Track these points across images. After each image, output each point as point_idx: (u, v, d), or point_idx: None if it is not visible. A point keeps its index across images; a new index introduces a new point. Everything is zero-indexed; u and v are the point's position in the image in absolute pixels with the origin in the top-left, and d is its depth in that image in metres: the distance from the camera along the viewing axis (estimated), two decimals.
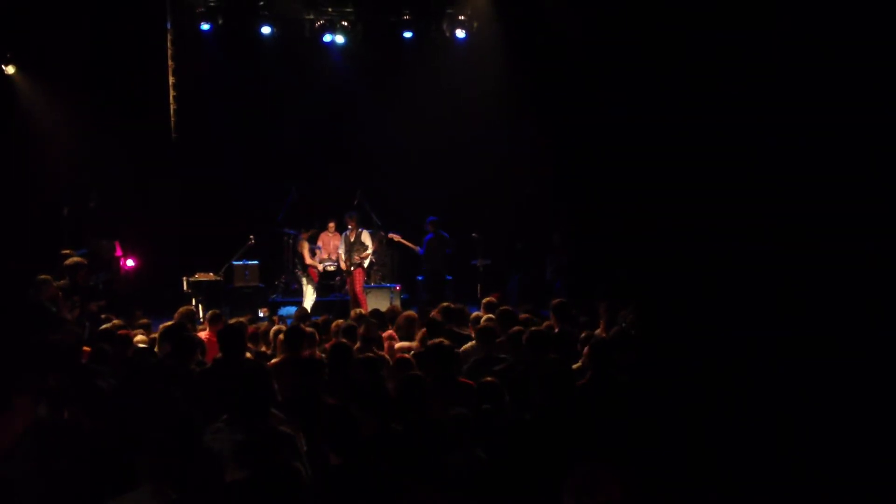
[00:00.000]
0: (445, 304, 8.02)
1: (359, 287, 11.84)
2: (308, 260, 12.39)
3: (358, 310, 8.70)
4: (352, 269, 11.74)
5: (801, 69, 7.43)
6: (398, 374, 5.19)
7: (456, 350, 5.72)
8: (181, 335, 6.03)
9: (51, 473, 3.59)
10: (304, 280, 12.42)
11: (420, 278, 12.70)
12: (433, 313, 7.48)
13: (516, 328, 6.20)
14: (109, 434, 4.06)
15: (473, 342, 6.46)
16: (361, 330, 6.60)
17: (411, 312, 7.70)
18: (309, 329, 6.68)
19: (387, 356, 6.24)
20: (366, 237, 11.88)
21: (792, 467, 4.09)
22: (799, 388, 5.38)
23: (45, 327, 6.56)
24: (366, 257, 11.86)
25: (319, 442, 4.16)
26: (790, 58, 7.55)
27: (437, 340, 5.65)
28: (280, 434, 3.96)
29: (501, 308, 7.29)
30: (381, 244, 13.00)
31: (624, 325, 6.56)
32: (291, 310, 11.29)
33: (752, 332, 6.46)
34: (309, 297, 12.26)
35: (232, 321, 7.59)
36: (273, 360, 6.12)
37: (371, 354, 5.72)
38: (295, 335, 6.09)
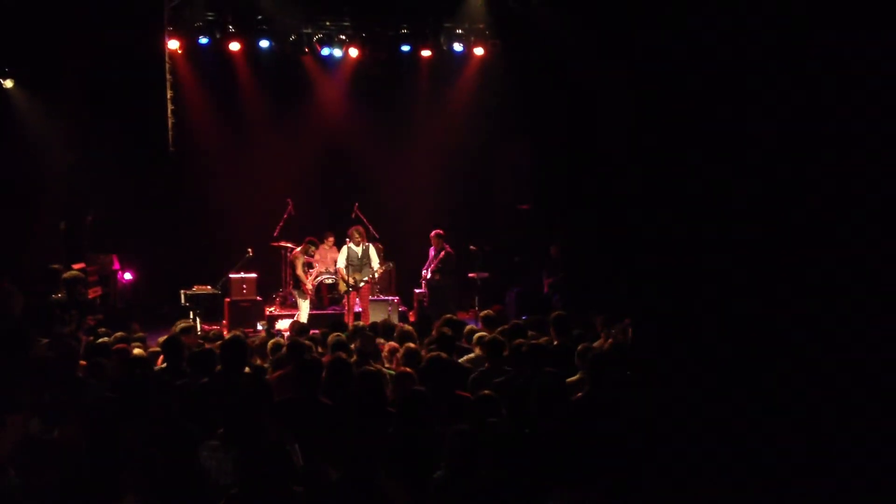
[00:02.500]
0: (449, 315, 7.99)
1: (366, 302, 11.83)
2: (299, 272, 12.14)
3: (357, 323, 8.66)
4: (360, 284, 11.68)
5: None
6: (400, 387, 5.19)
7: (457, 363, 5.72)
8: (187, 349, 6.03)
9: (41, 487, 3.56)
10: (297, 293, 12.35)
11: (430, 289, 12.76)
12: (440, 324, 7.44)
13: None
14: (102, 448, 4.03)
15: (474, 353, 6.46)
16: (358, 343, 6.58)
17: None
18: (308, 343, 6.67)
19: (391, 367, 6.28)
20: (373, 252, 11.85)
21: (791, 483, 4.06)
22: (802, 402, 5.34)
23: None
24: (377, 273, 11.84)
25: (318, 456, 4.13)
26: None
27: (435, 353, 5.63)
28: (275, 450, 3.93)
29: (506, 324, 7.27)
30: (379, 256, 12.99)
31: (620, 338, 6.54)
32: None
33: (753, 345, 6.42)
34: (304, 312, 12.18)
35: (227, 335, 7.54)
36: (273, 374, 6.09)
37: (369, 368, 5.69)
38: (296, 349, 6.08)
